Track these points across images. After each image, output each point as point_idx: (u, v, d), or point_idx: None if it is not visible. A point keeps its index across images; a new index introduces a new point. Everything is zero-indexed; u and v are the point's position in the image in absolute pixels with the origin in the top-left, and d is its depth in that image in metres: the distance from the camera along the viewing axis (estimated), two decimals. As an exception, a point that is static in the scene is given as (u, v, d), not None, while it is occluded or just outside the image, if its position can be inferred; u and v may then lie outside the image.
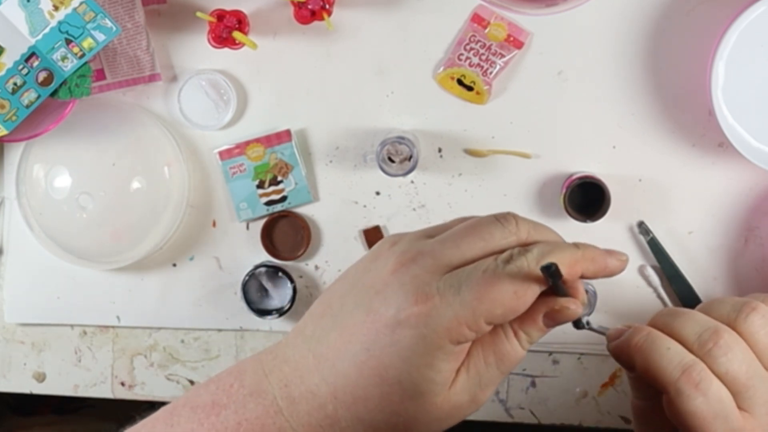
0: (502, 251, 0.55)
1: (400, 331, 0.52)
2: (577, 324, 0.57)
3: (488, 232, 0.56)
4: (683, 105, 0.83)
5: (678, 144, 0.84)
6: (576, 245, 0.56)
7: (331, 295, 0.58)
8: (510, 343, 0.56)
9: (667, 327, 0.63)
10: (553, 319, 0.57)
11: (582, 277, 0.56)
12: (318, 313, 0.57)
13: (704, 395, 0.59)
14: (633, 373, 0.64)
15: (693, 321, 0.63)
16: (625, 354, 0.62)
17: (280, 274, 0.86)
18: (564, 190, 0.82)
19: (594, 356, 0.87)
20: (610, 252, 0.57)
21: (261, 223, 0.87)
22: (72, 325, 0.90)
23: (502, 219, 0.56)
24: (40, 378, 0.92)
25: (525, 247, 0.55)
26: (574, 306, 0.56)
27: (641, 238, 0.84)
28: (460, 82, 0.84)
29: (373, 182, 0.86)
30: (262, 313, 0.86)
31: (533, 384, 0.87)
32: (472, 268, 0.53)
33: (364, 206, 0.86)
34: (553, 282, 0.53)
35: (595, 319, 0.85)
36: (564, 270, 0.53)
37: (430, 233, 0.58)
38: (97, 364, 0.91)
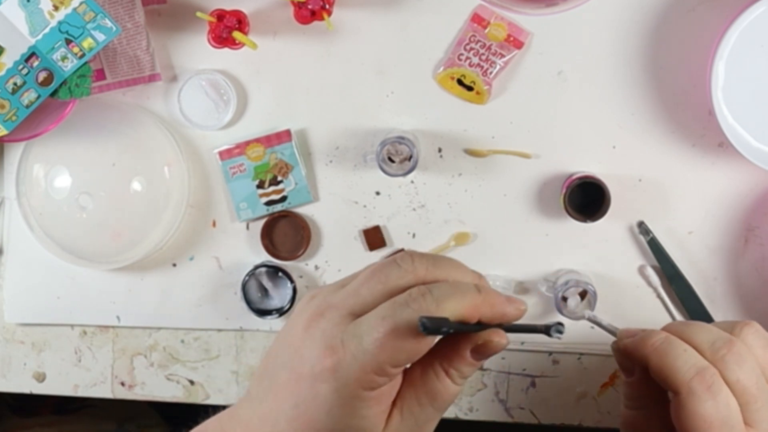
0: (402, 291, 0.54)
1: (318, 385, 0.54)
2: (548, 332, 0.56)
3: (385, 274, 0.55)
4: (683, 105, 0.83)
5: (678, 144, 0.84)
6: (477, 288, 0.55)
7: (268, 356, 0.59)
8: (441, 382, 0.57)
9: (682, 334, 0.64)
10: (482, 354, 0.57)
11: (478, 321, 0.55)
12: (258, 375, 0.59)
13: (714, 399, 0.60)
14: (632, 377, 0.65)
15: (706, 330, 0.64)
16: (640, 353, 0.63)
17: (280, 274, 0.86)
18: (564, 190, 0.82)
19: (594, 356, 0.87)
20: (510, 300, 0.56)
21: (261, 223, 0.87)
22: (72, 325, 0.90)
23: (398, 259, 0.56)
24: (40, 378, 0.92)
25: (427, 285, 0.54)
26: (497, 338, 0.56)
27: (641, 238, 0.84)
28: (460, 82, 0.84)
29: (373, 182, 0.86)
30: (262, 313, 0.86)
31: (533, 384, 0.87)
32: (372, 315, 0.53)
33: (364, 206, 0.86)
34: (444, 334, 0.53)
35: (595, 319, 0.85)
36: (461, 314, 0.53)
37: (345, 283, 0.58)
38: (97, 364, 0.91)
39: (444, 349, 0.57)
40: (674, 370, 0.61)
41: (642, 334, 0.64)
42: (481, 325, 0.55)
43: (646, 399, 0.65)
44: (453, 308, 0.53)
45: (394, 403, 0.57)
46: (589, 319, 0.67)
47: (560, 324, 0.56)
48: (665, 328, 0.65)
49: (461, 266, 0.58)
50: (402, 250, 0.86)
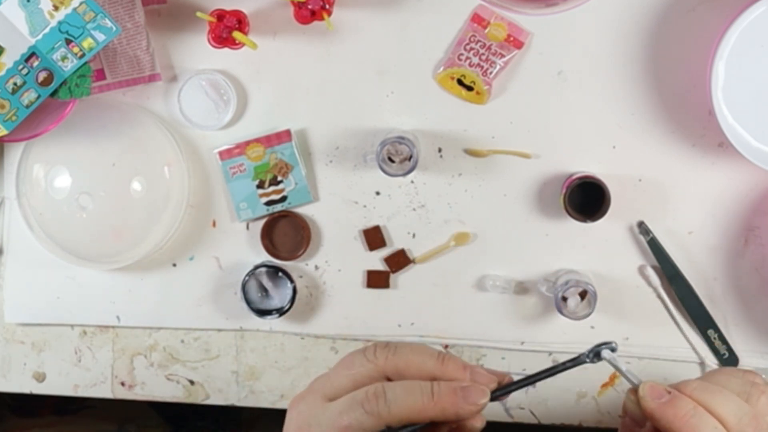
0: (366, 378, 0.58)
1: None
2: (494, 397, 0.58)
3: (350, 362, 0.60)
4: (683, 105, 0.83)
5: (678, 144, 0.84)
6: (432, 388, 0.57)
7: None
8: None
9: (708, 404, 0.63)
10: None
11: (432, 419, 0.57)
12: None
13: None
14: (641, 429, 0.65)
15: (731, 402, 0.63)
16: (666, 421, 0.62)
17: (280, 274, 0.86)
18: (564, 190, 0.82)
19: (594, 356, 0.87)
20: (466, 396, 0.57)
21: (261, 223, 0.87)
22: (72, 325, 0.90)
23: (365, 349, 0.60)
24: (40, 378, 0.92)
25: (384, 385, 0.57)
26: (475, 424, 0.58)
27: (641, 238, 0.84)
28: (460, 82, 0.84)
29: (373, 182, 0.86)
30: (262, 313, 0.86)
31: (533, 384, 0.87)
32: (335, 405, 0.58)
33: (364, 206, 0.86)
34: None
35: (595, 319, 0.85)
36: (410, 418, 0.56)
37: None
38: (97, 364, 0.91)
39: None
40: None
41: (669, 400, 0.63)
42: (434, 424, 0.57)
43: None
44: (401, 413, 0.56)
45: None
46: (609, 361, 0.66)
47: (603, 345, 0.58)
48: (688, 389, 0.64)
49: (422, 351, 0.60)
50: (402, 250, 0.86)
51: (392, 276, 0.87)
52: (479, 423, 0.58)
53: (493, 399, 0.57)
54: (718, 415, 0.62)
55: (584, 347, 0.86)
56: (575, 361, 0.60)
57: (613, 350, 0.59)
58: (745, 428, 0.61)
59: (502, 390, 0.58)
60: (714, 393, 0.63)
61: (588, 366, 0.86)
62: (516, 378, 0.59)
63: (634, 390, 0.64)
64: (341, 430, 0.56)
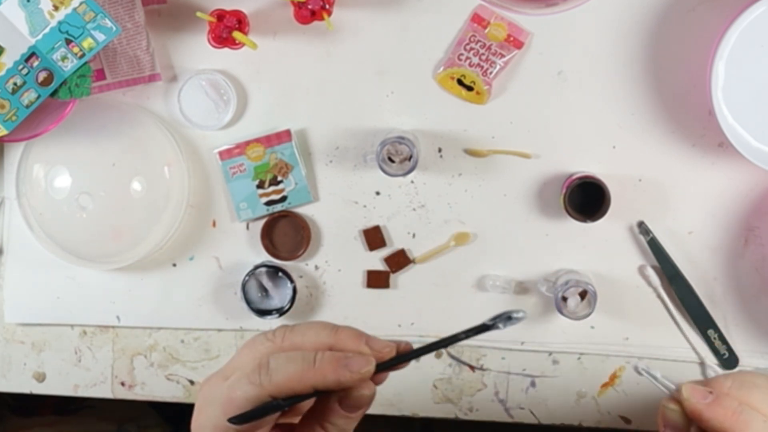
0: (264, 357, 0.59)
1: None
2: (494, 325, 0.57)
3: (252, 343, 0.61)
4: (683, 105, 0.83)
5: (678, 144, 0.84)
6: (315, 356, 0.58)
7: None
8: None
9: (747, 401, 0.63)
10: (348, 405, 0.59)
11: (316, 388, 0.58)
12: None
13: None
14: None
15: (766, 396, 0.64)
16: (715, 420, 0.62)
17: (280, 274, 0.86)
18: (564, 190, 0.82)
19: (594, 356, 0.87)
20: (348, 364, 0.58)
21: (261, 223, 0.87)
22: (72, 325, 0.90)
23: (267, 331, 0.61)
24: (40, 378, 0.92)
25: (270, 356, 0.59)
26: (359, 391, 0.58)
27: (641, 238, 0.84)
28: (460, 82, 0.84)
29: (373, 182, 0.86)
30: (262, 313, 0.86)
31: (533, 384, 0.87)
32: (227, 382, 0.59)
33: (364, 206, 0.86)
34: (273, 411, 0.57)
35: (595, 319, 0.85)
36: (290, 387, 0.57)
37: None
38: (97, 364, 0.91)
39: (318, 406, 0.60)
40: None
41: (714, 400, 0.63)
42: (319, 392, 0.57)
43: None
44: (282, 381, 0.58)
45: None
46: (644, 372, 0.66)
47: (510, 314, 0.56)
48: (724, 388, 0.64)
49: (317, 325, 0.61)
50: (402, 250, 0.86)
51: (392, 276, 0.87)
52: (367, 390, 0.58)
53: (384, 369, 0.58)
54: (760, 410, 0.62)
55: (584, 347, 0.86)
56: (478, 329, 0.58)
57: (516, 319, 0.57)
58: None
59: (395, 360, 0.58)
60: (751, 389, 0.64)
61: (588, 366, 0.87)
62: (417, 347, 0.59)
63: (671, 398, 0.64)
64: (229, 402, 0.58)
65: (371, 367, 0.58)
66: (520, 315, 0.57)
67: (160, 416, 1.24)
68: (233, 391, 0.58)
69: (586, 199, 0.82)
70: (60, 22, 0.78)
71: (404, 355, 0.59)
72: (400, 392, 0.88)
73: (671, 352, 0.86)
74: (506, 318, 0.57)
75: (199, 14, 0.81)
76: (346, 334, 0.60)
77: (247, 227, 0.88)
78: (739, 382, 0.64)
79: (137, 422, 1.20)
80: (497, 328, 0.57)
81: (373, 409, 0.69)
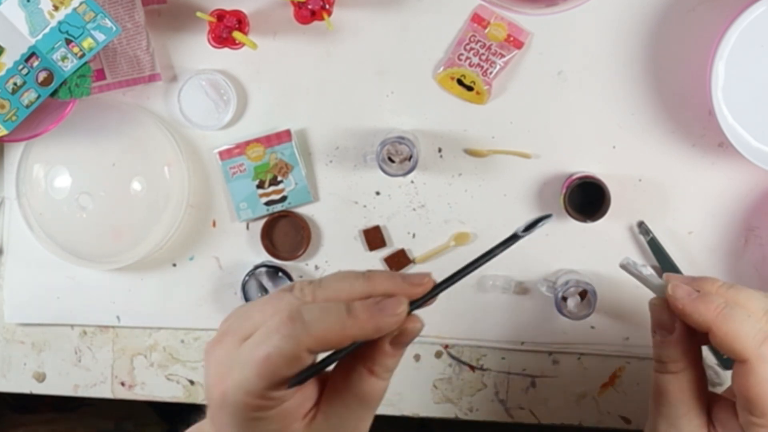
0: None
1: (219, 413, 0.55)
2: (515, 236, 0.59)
3: (278, 298, 0.57)
4: (683, 105, 0.83)
5: (678, 144, 0.84)
6: (348, 305, 0.55)
7: None
8: (367, 381, 0.57)
9: (734, 299, 0.63)
10: (401, 343, 0.57)
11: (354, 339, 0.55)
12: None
13: None
14: (670, 335, 0.64)
15: (756, 296, 0.63)
16: (699, 316, 0.62)
17: (280, 274, 0.86)
18: (564, 190, 0.82)
19: (594, 356, 0.87)
20: (383, 308, 0.56)
21: (261, 223, 0.87)
22: (72, 325, 0.90)
23: (291, 286, 0.58)
24: (40, 378, 0.92)
25: (300, 309, 0.55)
26: (411, 324, 0.56)
27: (641, 238, 0.84)
28: (460, 82, 0.84)
29: (373, 182, 0.86)
30: (262, 313, 0.86)
31: (533, 384, 0.87)
32: (251, 341, 0.55)
33: (364, 206, 0.86)
34: (319, 371, 0.55)
35: (595, 319, 0.85)
36: (330, 337, 0.54)
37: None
38: (97, 364, 0.91)
39: (362, 348, 0.57)
40: (741, 336, 0.60)
41: (699, 296, 0.63)
42: (353, 345, 0.55)
43: (685, 361, 0.64)
44: (320, 333, 0.54)
45: (318, 406, 0.58)
46: (630, 268, 0.65)
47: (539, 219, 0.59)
48: (713, 288, 0.64)
49: (347, 276, 0.58)
50: (402, 250, 0.86)
51: (392, 276, 0.87)
52: (418, 324, 0.57)
53: (419, 305, 0.57)
54: (746, 307, 0.62)
55: (584, 347, 0.86)
56: (509, 242, 0.60)
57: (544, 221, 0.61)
58: None
59: (428, 295, 0.57)
60: (738, 290, 0.64)
61: (588, 366, 0.87)
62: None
63: (661, 299, 0.64)
64: (262, 362, 0.53)
65: (405, 307, 0.56)
66: (549, 217, 0.61)
67: (158, 414, 1.24)
68: (263, 348, 0.53)
69: (586, 199, 0.82)
70: (60, 22, 0.78)
71: (439, 285, 0.57)
72: (400, 392, 0.88)
73: (671, 352, 0.86)
74: (535, 222, 0.60)
75: (199, 14, 0.81)
76: (380, 279, 0.58)
77: (247, 227, 0.88)
78: (728, 284, 0.64)
79: (135, 420, 1.21)
80: (529, 232, 0.61)
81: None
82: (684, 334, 0.64)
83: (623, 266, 0.65)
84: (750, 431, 0.61)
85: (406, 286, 0.57)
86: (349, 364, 0.57)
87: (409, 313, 0.56)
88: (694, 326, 0.63)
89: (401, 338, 0.57)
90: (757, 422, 0.61)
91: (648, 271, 0.65)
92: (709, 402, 0.65)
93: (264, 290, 0.87)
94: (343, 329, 0.55)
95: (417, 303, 0.56)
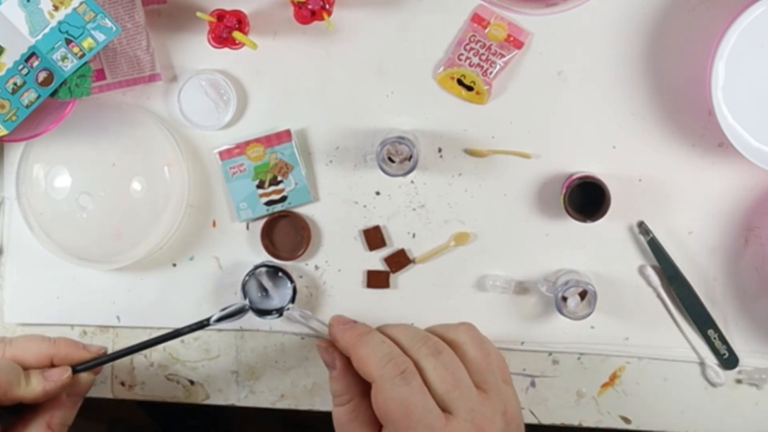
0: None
1: None
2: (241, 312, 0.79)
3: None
4: (683, 105, 0.83)
5: (678, 144, 0.84)
6: (27, 375, 0.74)
7: None
8: None
9: (385, 330, 0.72)
10: (76, 394, 0.78)
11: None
12: None
13: (408, 384, 0.66)
14: (334, 370, 0.72)
15: (410, 329, 0.72)
16: (344, 340, 0.71)
17: (280, 274, 0.86)
18: (564, 190, 0.82)
19: (594, 356, 0.87)
20: (48, 375, 0.75)
21: (261, 223, 0.87)
22: (72, 325, 0.90)
23: None
24: (40, 378, 0.91)
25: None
26: (83, 381, 0.78)
27: (641, 238, 0.84)
28: (460, 82, 0.84)
29: (373, 182, 0.86)
30: (262, 313, 0.86)
31: (533, 384, 0.87)
32: None
33: (364, 206, 0.86)
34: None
35: (595, 319, 0.85)
36: (6, 393, 0.72)
37: None
38: (97, 364, 0.91)
39: (39, 407, 0.75)
40: (370, 358, 0.68)
41: (348, 327, 0.72)
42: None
43: (350, 393, 0.71)
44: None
45: None
46: (295, 316, 0.81)
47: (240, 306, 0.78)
48: (378, 328, 0.73)
49: (35, 339, 0.77)
50: (402, 250, 0.86)
51: (392, 276, 0.87)
52: (88, 378, 0.78)
53: (88, 368, 0.77)
54: (392, 337, 0.71)
55: (584, 347, 0.86)
56: (198, 326, 0.80)
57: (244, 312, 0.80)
58: (416, 343, 0.69)
59: (91, 363, 0.77)
60: (396, 325, 0.73)
61: (588, 366, 0.87)
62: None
63: (326, 340, 0.74)
64: None
65: (68, 374, 0.75)
66: (244, 312, 0.80)
67: (150, 416, 1.24)
68: None
69: (586, 199, 0.82)
70: (60, 22, 0.78)
71: (111, 355, 0.78)
72: (400, 392, 0.88)
73: (671, 352, 0.86)
74: (230, 315, 0.79)
75: (199, 14, 0.81)
76: (64, 344, 0.76)
77: (247, 227, 0.88)
78: (395, 324, 0.73)
79: (127, 422, 1.20)
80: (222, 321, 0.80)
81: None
82: (344, 370, 0.72)
83: (287, 316, 0.82)
84: None
85: (81, 350, 0.77)
86: (30, 418, 0.75)
87: (79, 372, 0.76)
88: (344, 352, 0.72)
89: (74, 391, 0.77)
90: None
91: (313, 320, 0.82)
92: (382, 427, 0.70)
93: (264, 290, 0.87)
94: (12, 390, 0.72)
95: (87, 366, 0.77)
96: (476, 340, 0.72)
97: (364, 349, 0.69)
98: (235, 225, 0.88)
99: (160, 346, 0.90)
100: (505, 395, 0.70)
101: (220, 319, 0.80)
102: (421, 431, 0.65)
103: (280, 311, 0.86)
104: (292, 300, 0.86)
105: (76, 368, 0.76)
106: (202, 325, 0.80)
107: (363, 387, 0.70)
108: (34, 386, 0.73)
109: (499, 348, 0.87)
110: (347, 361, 0.71)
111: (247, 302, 0.82)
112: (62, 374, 0.74)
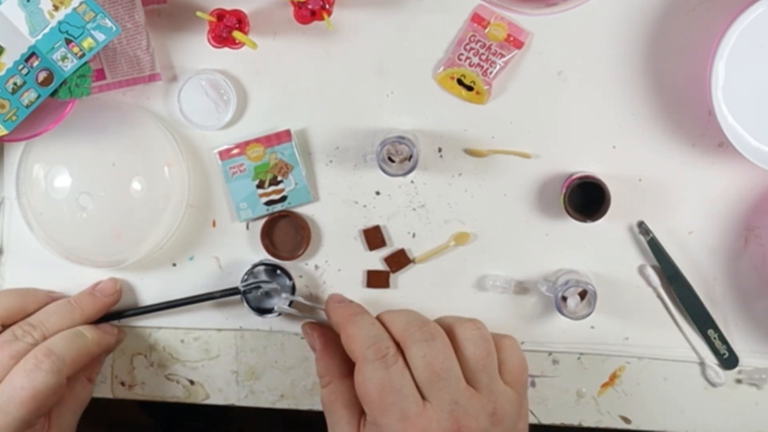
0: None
1: None
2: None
3: (4, 347, 0.74)
4: (683, 105, 0.83)
5: (678, 144, 0.84)
6: (81, 332, 0.80)
7: None
8: (86, 388, 0.83)
9: (384, 314, 0.73)
10: (108, 351, 0.85)
11: None
12: None
13: (387, 368, 0.67)
14: (315, 353, 0.75)
15: (410, 314, 0.73)
16: (336, 316, 0.73)
17: (278, 272, 0.86)
18: (564, 190, 0.82)
19: (594, 356, 0.87)
20: (101, 292, 0.84)
21: (261, 223, 0.87)
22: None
23: (11, 336, 0.76)
24: (40, 378, 0.91)
25: (47, 344, 0.75)
26: (121, 335, 0.87)
27: (641, 238, 0.84)
28: (460, 82, 0.84)
29: (373, 182, 0.86)
30: (262, 312, 0.86)
31: (533, 384, 0.87)
32: (7, 385, 0.71)
33: (364, 206, 0.86)
34: None
35: (595, 319, 0.85)
36: (84, 359, 0.78)
37: None
38: (97, 364, 0.91)
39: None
40: (357, 337, 0.69)
41: (342, 304, 0.75)
42: None
43: (330, 375, 0.73)
44: (74, 358, 0.74)
45: (49, 418, 0.76)
46: (284, 311, 0.82)
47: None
48: (382, 312, 0.74)
49: (57, 308, 0.80)
50: (402, 250, 0.86)
51: (392, 276, 0.87)
52: (119, 336, 0.85)
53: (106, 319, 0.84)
54: (389, 320, 0.72)
55: (584, 347, 0.86)
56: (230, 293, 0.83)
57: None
58: (410, 329, 0.70)
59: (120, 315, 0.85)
60: (398, 310, 0.74)
61: (588, 366, 0.87)
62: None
63: (309, 322, 0.78)
64: (28, 401, 0.67)
65: (116, 330, 0.83)
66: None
67: (151, 417, 1.24)
68: (27, 389, 0.69)
69: (586, 199, 0.82)
70: (60, 22, 0.78)
71: (144, 308, 0.85)
72: (400, 392, 0.88)
73: (671, 352, 0.86)
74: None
75: (199, 14, 0.81)
76: (84, 298, 0.83)
77: (247, 227, 0.88)
78: (399, 309, 0.75)
79: (128, 424, 1.20)
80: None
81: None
82: (323, 352, 0.75)
83: (278, 312, 0.84)
84: (369, 422, 0.69)
85: (100, 303, 0.83)
86: (70, 379, 0.75)
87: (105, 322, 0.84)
88: (335, 329, 0.73)
89: (109, 348, 0.83)
90: (367, 413, 0.69)
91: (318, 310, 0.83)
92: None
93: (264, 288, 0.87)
94: (89, 349, 0.76)
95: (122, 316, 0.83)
96: (479, 337, 0.71)
97: (353, 329, 0.70)
98: (235, 225, 0.88)
99: (160, 346, 0.90)
100: (499, 397, 0.70)
101: (246, 290, 0.84)
102: (395, 414, 0.65)
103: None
104: (292, 294, 0.86)
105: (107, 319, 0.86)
106: (234, 291, 0.85)
107: (348, 369, 0.71)
108: (100, 334, 0.81)
109: (499, 348, 0.87)
110: (328, 344, 0.73)
111: (276, 285, 0.84)
112: (113, 330, 0.84)
